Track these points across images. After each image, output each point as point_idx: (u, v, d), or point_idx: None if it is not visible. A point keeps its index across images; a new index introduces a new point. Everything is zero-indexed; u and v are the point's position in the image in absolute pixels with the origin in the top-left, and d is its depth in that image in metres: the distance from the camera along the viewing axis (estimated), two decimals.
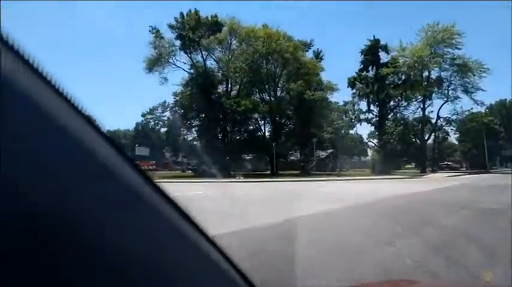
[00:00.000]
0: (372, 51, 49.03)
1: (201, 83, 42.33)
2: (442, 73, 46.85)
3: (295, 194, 16.98)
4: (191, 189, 21.45)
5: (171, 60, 45.94)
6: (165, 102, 42.44)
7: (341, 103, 56.36)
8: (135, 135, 68.73)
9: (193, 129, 45.34)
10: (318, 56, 56.94)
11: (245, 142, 47.45)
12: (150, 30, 44.13)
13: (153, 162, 33.68)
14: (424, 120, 48.78)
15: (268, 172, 49.27)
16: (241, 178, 29.98)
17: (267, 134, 52.66)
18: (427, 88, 45.92)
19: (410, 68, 45.77)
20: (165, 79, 45.95)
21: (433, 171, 48.87)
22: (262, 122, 51.90)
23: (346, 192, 17.88)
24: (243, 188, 23.20)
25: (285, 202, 13.68)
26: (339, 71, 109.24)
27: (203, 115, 43.46)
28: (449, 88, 47.42)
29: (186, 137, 45.79)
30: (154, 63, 45.21)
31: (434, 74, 47.59)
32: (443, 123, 51.13)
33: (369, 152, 69.19)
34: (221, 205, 12.27)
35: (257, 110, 43.37)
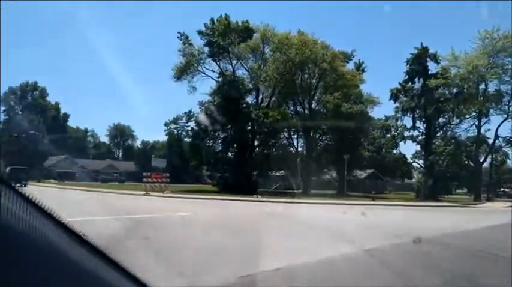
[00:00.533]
0: (419, 61, 43.75)
1: (229, 92, 39.34)
2: (501, 86, 40.52)
3: (312, 223, 12.92)
4: (186, 208, 18.17)
5: (200, 69, 43.59)
6: (190, 111, 39.79)
7: (382, 118, 51.04)
8: (169, 146, 67.73)
9: (219, 141, 42.23)
10: (359, 67, 52.45)
11: (274, 157, 43.65)
12: (178, 37, 42.16)
13: (166, 174, 30.73)
14: (480, 140, 42.25)
15: (300, 191, 45.06)
16: (260, 196, 26.17)
17: (299, 149, 48.63)
18: (483, 103, 39.73)
19: (464, 80, 39.95)
20: (194, 88, 43.61)
21: (488, 199, 42.13)
22: (295, 136, 47.99)
23: (377, 223, 13.58)
24: (257, 208, 19.40)
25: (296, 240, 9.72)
26: (380, 83, 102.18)
27: (229, 126, 40.31)
28: (510, 103, 40.96)
29: (210, 149, 42.76)
30: (183, 71, 43.01)
31: (492, 87, 41.24)
32: (503, 144, 44.14)
33: (414, 173, 62.49)
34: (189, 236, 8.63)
35: (287, 122, 39.55)
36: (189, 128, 40.37)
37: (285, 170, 47.91)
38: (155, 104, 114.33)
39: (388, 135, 51.41)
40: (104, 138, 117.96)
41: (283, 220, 14.44)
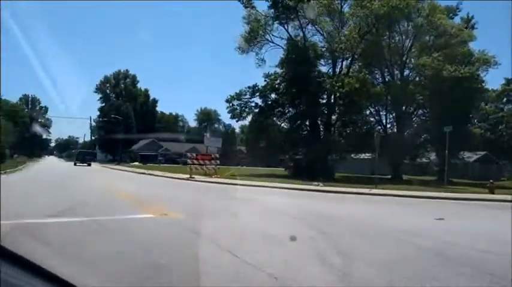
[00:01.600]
0: None
1: (298, 60, 32.38)
2: None
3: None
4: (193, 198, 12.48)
5: (267, 37, 37.23)
6: (255, 85, 33.80)
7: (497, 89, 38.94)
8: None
9: (287, 117, 35.70)
10: (468, 23, 40.88)
11: (356, 136, 35.61)
12: (240, 1, 36.32)
13: (215, 155, 25.48)
14: None
15: (389, 177, 36.59)
16: (321, 184, 19.19)
17: (388, 126, 39.54)
18: None
19: None
20: (262, 60, 37.38)
21: None
22: (383, 111, 39.01)
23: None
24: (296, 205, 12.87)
25: None
26: (496, 41, 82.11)
27: (300, 100, 33.50)
28: None
29: (277, 127, 36.53)
30: (249, 41, 37.14)
31: None
32: None
33: None
34: None
35: (369, 92, 31.21)
36: (253, 104, 34.23)
37: (370, 152, 39.57)
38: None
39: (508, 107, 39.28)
40: (193, 123, 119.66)
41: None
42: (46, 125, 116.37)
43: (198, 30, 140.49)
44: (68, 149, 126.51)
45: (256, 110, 35.55)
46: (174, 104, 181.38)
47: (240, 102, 35.37)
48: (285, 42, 35.87)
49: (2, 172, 22.91)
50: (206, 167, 24.77)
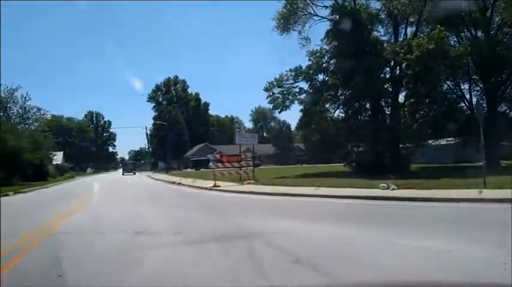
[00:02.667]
0: None
1: (348, 29, 25.45)
2: None
3: None
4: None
5: (309, 9, 30.55)
6: (298, 68, 27.42)
7: None
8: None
9: (341, 102, 28.64)
10: None
11: (435, 118, 27.49)
12: None
13: (246, 155, 19.61)
14: None
15: (480, 163, 27.95)
16: (392, 186, 12.15)
17: (473, 102, 30.45)
18: None
19: None
20: (306, 39, 30.66)
21: None
22: (466, 83, 30.09)
23: None
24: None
25: None
26: None
27: (354, 79, 26.39)
28: None
29: (328, 114, 29.67)
30: (289, 18, 30.73)
31: None
32: None
33: None
34: None
35: (448, 55, 23.08)
36: (297, 90, 27.80)
37: (453, 136, 31.14)
38: None
39: None
40: (248, 124, 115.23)
41: None
42: (111, 139, 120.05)
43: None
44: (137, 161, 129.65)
45: (302, 97, 29.05)
46: (229, 106, 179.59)
47: (281, 89, 29.10)
48: (330, 11, 28.91)
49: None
50: (237, 171, 19.02)
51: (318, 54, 27.80)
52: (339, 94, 28.34)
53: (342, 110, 29.72)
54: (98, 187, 26.74)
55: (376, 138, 26.20)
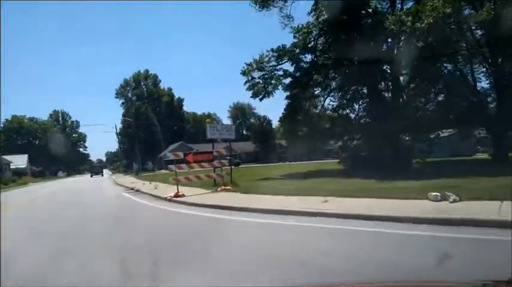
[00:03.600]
0: None
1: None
2: None
3: None
4: None
5: None
6: (281, 47, 22.69)
7: None
8: None
9: (333, 87, 24.16)
10: None
11: (438, 105, 23.44)
12: None
13: (221, 152, 14.71)
14: None
15: (487, 156, 24.52)
16: (452, 197, 7.64)
17: (481, 83, 26.51)
18: None
19: None
20: (289, 17, 25.82)
21: None
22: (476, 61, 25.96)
23: None
24: None
25: None
26: None
27: (349, 58, 21.87)
28: None
29: (320, 103, 25.21)
30: None
31: None
32: None
33: None
34: None
35: (466, 22, 18.81)
36: (281, 73, 23.10)
37: (458, 126, 27.17)
38: None
39: None
40: (227, 120, 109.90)
41: None
42: (81, 140, 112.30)
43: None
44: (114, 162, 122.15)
45: (286, 81, 24.37)
46: (203, 103, 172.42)
47: (262, 73, 24.31)
48: None
49: None
50: (207, 174, 14.16)
51: (305, 30, 23.09)
52: (329, 77, 23.77)
53: (333, 97, 25.25)
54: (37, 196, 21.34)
55: (375, 130, 21.94)
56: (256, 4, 25.34)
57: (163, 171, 57.67)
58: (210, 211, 9.61)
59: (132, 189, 20.38)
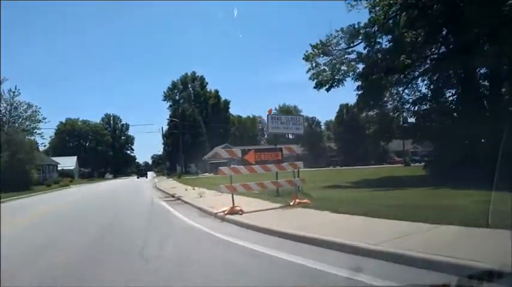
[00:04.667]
0: None
1: None
2: None
3: None
4: None
5: None
6: (354, 26, 18.26)
7: None
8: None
9: (416, 75, 19.10)
10: None
11: None
12: None
13: (292, 148, 10.37)
14: None
15: None
16: None
17: None
18: None
19: None
20: None
21: None
22: None
23: None
24: None
25: None
26: None
27: (444, 38, 16.81)
28: None
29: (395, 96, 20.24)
30: None
31: None
32: None
33: None
34: None
35: None
36: (353, 56, 18.68)
37: None
38: None
39: None
40: None
41: None
42: (128, 142, 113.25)
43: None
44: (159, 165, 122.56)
45: (360, 67, 19.67)
46: (250, 105, 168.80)
47: (329, 58, 19.82)
48: None
49: None
50: (274, 181, 9.92)
51: (385, 2, 18.31)
52: (419, 59, 18.63)
53: (414, 87, 20.15)
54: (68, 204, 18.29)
55: (469, 128, 16.71)
56: None
57: (207, 174, 54.57)
58: (296, 249, 5.32)
59: (173, 196, 16.65)
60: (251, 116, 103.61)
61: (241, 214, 8.58)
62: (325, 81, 19.72)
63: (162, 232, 7.58)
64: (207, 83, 78.87)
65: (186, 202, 13.27)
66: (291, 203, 9.29)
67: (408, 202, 9.31)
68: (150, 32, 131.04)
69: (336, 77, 19.69)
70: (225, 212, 8.73)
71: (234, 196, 9.16)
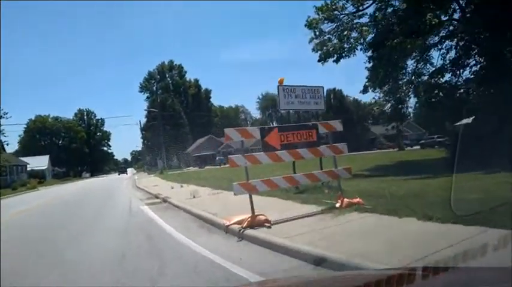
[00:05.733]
0: None
1: None
2: None
3: None
4: None
5: None
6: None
7: None
8: None
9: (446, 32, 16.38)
10: None
11: None
12: None
13: (333, 126, 7.35)
14: None
15: None
16: None
17: None
18: None
19: None
20: None
21: None
22: None
23: None
24: None
25: None
26: None
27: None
28: None
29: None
30: None
31: None
32: None
33: None
34: None
35: None
36: (365, 21, 15.79)
37: None
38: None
39: None
40: (256, 113, 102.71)
41: None
42: (105, 139, 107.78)
43: None
44: (139, 161, 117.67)
45: (370, 37, 16.75)
46: (231, 95, 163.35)
47: (336, 24, 16.79)
48: None
49: None
50: (313, 173, 6.84)
51: None
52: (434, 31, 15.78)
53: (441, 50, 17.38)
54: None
55: (494, 105, 14.41)
56: None
57: (191, 168, 51.19)
58: None
59: (157, 197, 13.41)
60: (233, 106, 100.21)
61: (269, 227, 5.53)
62: (331, 53, 16.69)
63: (145, 277, 4.36)
64: (185, 72, 74.75)
65: (176, 206, 10.09)
66: (337, 205, 6.29)
67: (494, 195, 6.47)
68: (121, 21, 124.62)
69: (344, 48, 16.68)
70: (243, 224, 5.65)
71: (241, 195, 6.09)
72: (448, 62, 17.74)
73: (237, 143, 7.03)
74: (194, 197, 11.06)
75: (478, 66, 17.36)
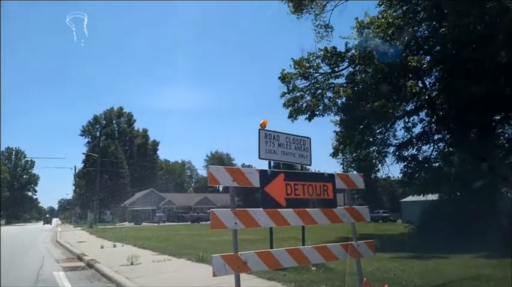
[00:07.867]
0: None
1: None
2: None
3: None
4: None
5: None
6: (337, 51, 14.47)
7: None
8: None
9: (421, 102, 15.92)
10: None
11: None
12: None
13: (355, 182, 5.52)
14: None
15: None
16: None
17: None
18: None
19: None
20: (327, 27, 17.99)
21: None
22: None
23: None
24: None
25: None
26: None
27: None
28: None
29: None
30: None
31: None
32: None
33: None
34: None
35: None
36: (341, 81, 15.22)
37: None
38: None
39: None
40: (202, 171, 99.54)
41: None
42: (31, 182, 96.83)
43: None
44: (67, 211, 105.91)
45: (342, 99, 15.94)
46: (178, 150, 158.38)
47: (309, 82, 15.81)
48: None
49: None
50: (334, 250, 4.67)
51: (381, 20, 15.15)
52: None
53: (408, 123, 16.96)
54: None
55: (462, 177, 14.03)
56: (291, 2, 17.58)
57: (126, 224, 46.02)
58: None
59: (80, 259, 10.20)
60: (180, 161, 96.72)
61: None
62: (304, 109, 15.48)
63: None
64: (134, 121, 71.26)
65: (105, 276, 7.19)
66: None
67: None
68: (68, 60, 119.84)
69: (318, 106, 15.61)
70: None
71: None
72: (413, 135, 17.43)
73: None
74: (132, 263, 8.23)
75: (442, 143, 17.20)
